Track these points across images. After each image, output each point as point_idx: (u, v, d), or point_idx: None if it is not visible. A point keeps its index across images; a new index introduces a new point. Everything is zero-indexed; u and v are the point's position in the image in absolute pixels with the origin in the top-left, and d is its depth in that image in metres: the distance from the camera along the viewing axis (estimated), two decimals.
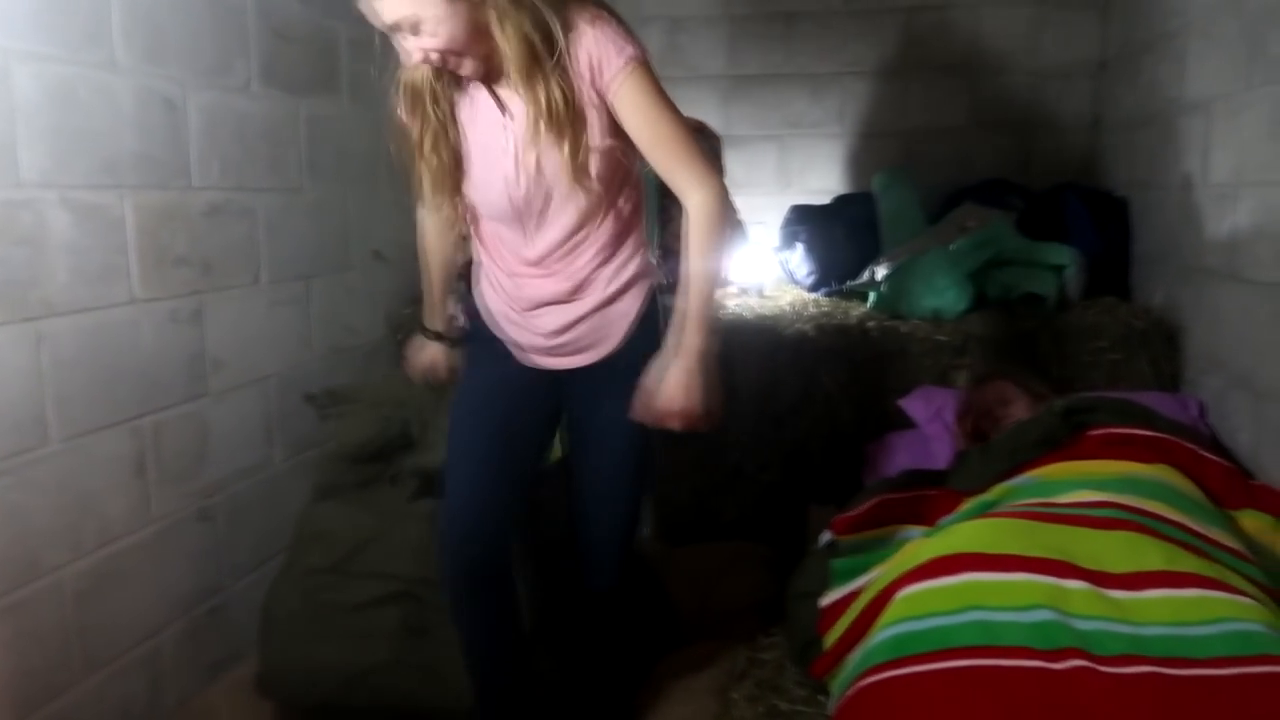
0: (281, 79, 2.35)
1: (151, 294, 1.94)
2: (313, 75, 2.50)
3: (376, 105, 2.78)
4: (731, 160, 3.74)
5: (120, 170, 1.86)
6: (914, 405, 2.58)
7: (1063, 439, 2.03)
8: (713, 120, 3.62)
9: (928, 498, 2.08)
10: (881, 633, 1.57)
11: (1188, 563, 1.54)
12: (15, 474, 1.63)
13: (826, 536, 2.15)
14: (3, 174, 1.61)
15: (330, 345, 2.61)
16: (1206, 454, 1.97)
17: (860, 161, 3.71)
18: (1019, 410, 2.25)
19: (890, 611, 1.60)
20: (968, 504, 1.96)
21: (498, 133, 1.59)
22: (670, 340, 1.66)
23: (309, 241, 2.50)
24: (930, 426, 2.52)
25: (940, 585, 1.56)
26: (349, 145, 2.69)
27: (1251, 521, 1.94)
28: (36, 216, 1.67)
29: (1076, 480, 1.86)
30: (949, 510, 1.99)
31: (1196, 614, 1.44)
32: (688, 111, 3.34)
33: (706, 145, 2.89)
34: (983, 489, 2.03)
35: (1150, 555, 1.55)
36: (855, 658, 1.63)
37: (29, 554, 1.66)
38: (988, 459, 2.08)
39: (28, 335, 1.65)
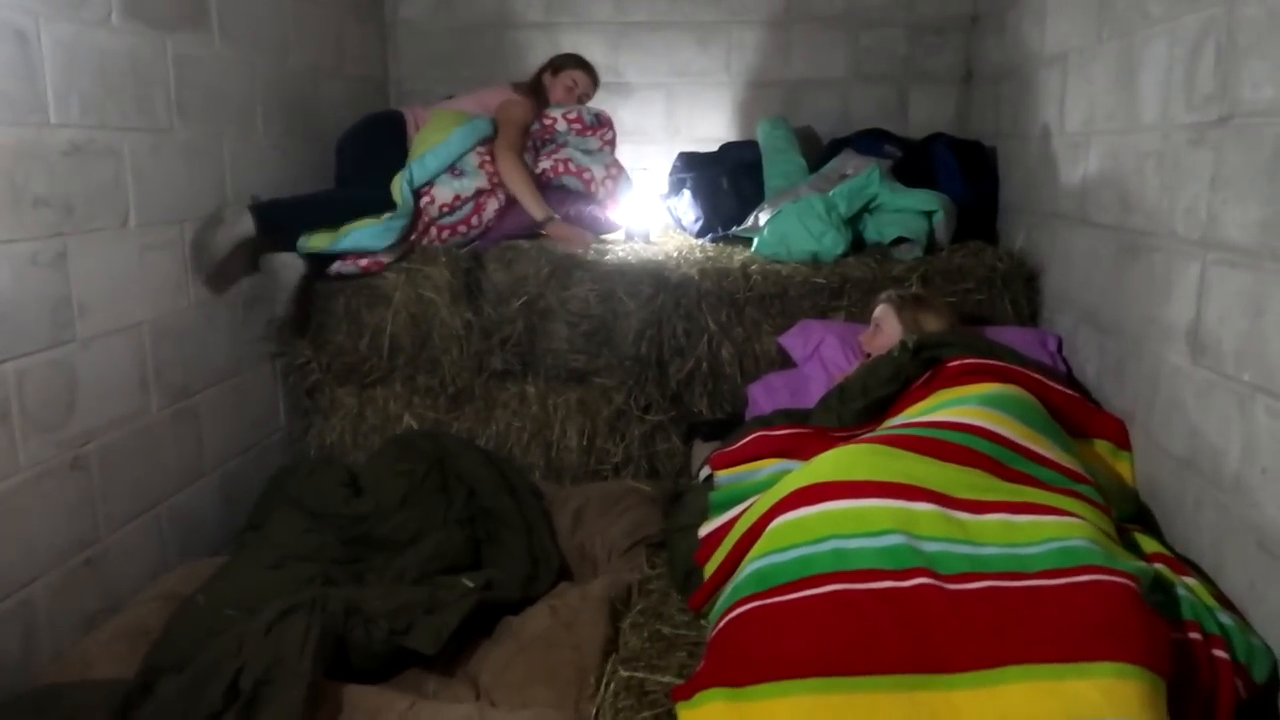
0: (144, 12, 2.25)
1: (9, 235, 1.86)
2: (179, 10, 2.40)
3: (250, 46, 2.72)
4: (620, 108, 3.77)
5: None
6: (792, 341, 2.68)
7: (913, 375, 2.15)
8: (600, 67, 3.64)
9: (800, 435, 2.18)
10: (749, 566, 1.66)
11: (1023, 495, 1.69)
12: None
13: (705, 472, 2.24)
14: None
15: (207, 292, 2.54)
16: (1051, 383, 2.12)
17: (746, 110, 3.78)
18: (884, 341, 2.37)
19: (758, 545, 1.69)
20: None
21: None
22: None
23: (182, 185, 2.42)
24: (808, 365, 2.63)
25: (801, 516, 1.66)
26: (222, 86, 2.60)
27: (1091, 447, 2.12)
28: None
29: (939, 404, 1.99)
30: (819, 445, 2.10)
31: (1028, 536, 1.57)
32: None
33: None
34: (843, 426, 2.15)
35: (991, 492, 1.68)
36: (727, 590, 1.72)
37: None
38: (845, 397, 2.20)
39: None
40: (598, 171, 3.13)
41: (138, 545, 2.25)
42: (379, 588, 2.01)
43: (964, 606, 1.45)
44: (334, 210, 2.78)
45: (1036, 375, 2.10)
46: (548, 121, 3.18)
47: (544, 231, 2.98)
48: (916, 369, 2.15)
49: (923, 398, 2.09)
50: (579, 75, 3.25)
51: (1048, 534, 1.55)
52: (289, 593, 1.97)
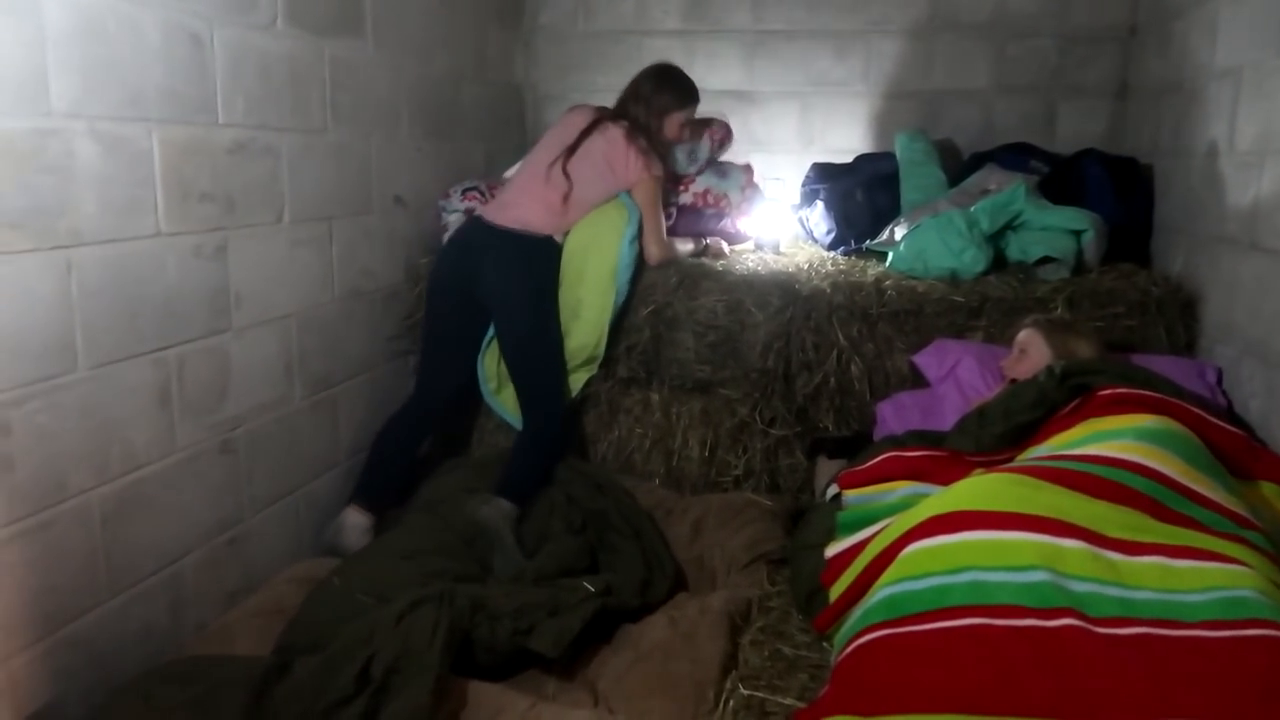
0: (306, 19, 2.35)
1: (176, 228, 1.96)
2: (337, 16, 2.50)
3: (399, 51, 2.81)
4: (753, 117, 3.73)
5: (146, 104, 1.87)
6: (927, 360, 2.59)
7: (1059, 401, 2.04)
8: (735, 77, 3.62)
9: (935, 458, 2.10)
10: (880, 591, 1.60)
11: (1183, 538, 1.57)
12: (44, 398, 1.67)
13: (833, 490, 2.18)
14: (33, 102, 1.63)
15: (349, 288, 2.64)
16: (1211, 418, 1.97)
17: (883, 121, 3.69)
18: (1029, 366, 2.27)
19: (890, 571, 1.63)
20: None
21: None
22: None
23: (331, 183, 2.52)
24: (942, 386, 2.54)
25: (938, 544, 1.59)
26: (371, 89, 2.69)
27: (1257, 490, 1.96)
28: (65, 146, 1.69)
29: (1090, 436, 1.88)
30: (955, 469, 2.02)
31: (1187, 583, 1.47)
32: (711, 67, 3.36)
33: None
34: (981, 451, 2.05)
35: (1147, 533, 1.58)
36: (855, 615, 1.67)
37: (57, 476, 1.70)
38: (984, 421, 2.10)
39: (58, 263, 1.68)
40: (734, 196, 3.13)
41: (276, 528, 2.34)
42: (502, 586, 2.03)
43: (1115, 652, 1.37)
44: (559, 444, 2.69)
45: (1195, 410, 1.96)
46: (685, 181, 3.13)
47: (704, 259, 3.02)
48: (1063, 396, 2.04)
49: (1068, 427, 1.98)
50: (686, 115, 2.98)
51: (1211, 582, 1.44)
52: (418, 584, 2.02)
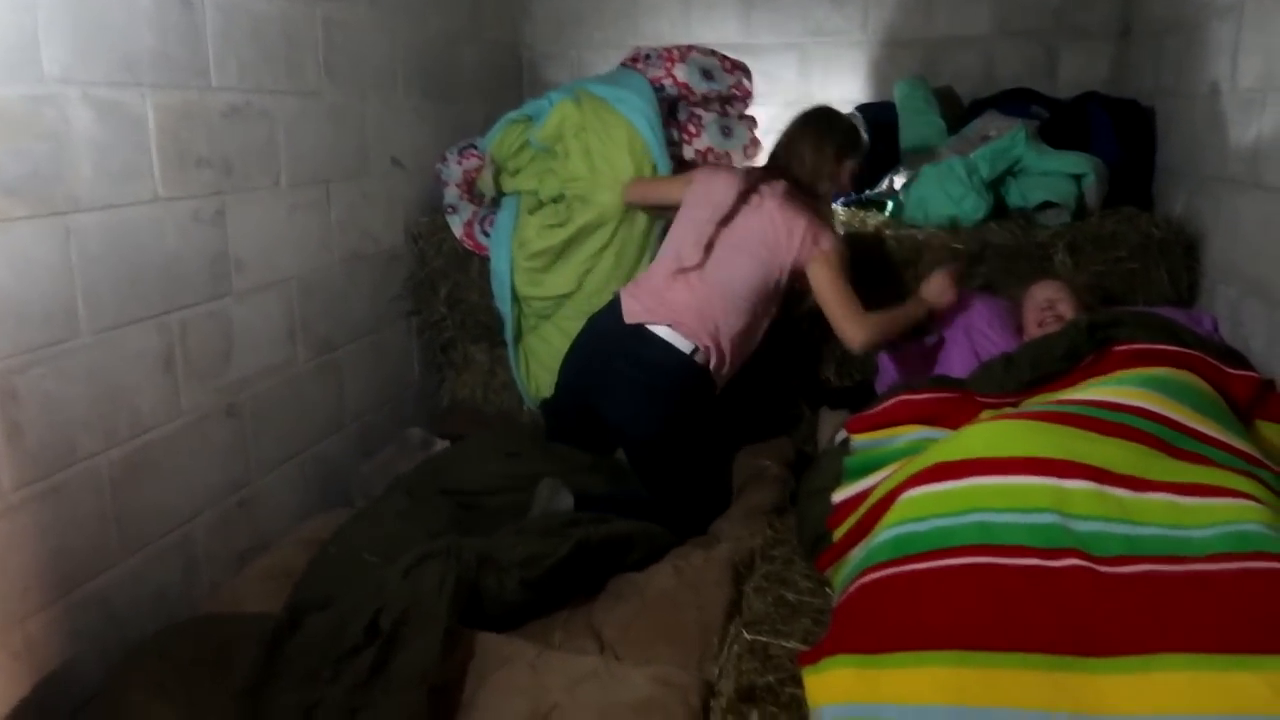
0: None
1: (174, 193, 1.97)
2: None
3: (393, 10, 2.78)
4: (751, 69, 3.68)
5: (139, 68, 1.87)
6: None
7: (1087, 353, 2.04)
8: (732, 29, 3.57)
9: (945, 399, 2.10)
10: (883, 533, 1.62)
11: (1192, 474, 1.57)
12: (49, 364, 1.69)
13: (842, 435, 2.19)
14: (26, 69, 1.63)
15: (350, 250, 2.64)
16: (1229, 369, 1.96)
17: (883, 70, 3.65)
18: (1066, 310, 2.29)
19: (892, 513, 1.64)
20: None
21: None
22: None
23: (328, 146, 2.51)
24: (949, 331, 2.53)
25: (944, 489, 1.60)
26: (366, 50, 2.68)
27: (1268, 430, 1.96)
28: (59, 112, 1.69)
29: (1098, 383, 1.88)
30: (964, 413, 2.02)
31: (1194, 519, 1.47)
32: (707, 20, 3.29)
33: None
34: (1001, 396, 2.05)
35: (1155, 471, 1.58)
36: (857, 556, 1.69)
37: (66, 440, 1.73)
38: (1011, 368, 2.09)
39: (57, 229, 1.69)
40: (736, 157, 3.09)
41: (284, 489, 2.37)
42: (509, 538, 2.05)
43: (1117, 590, 1.38)
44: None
45: (1214, 361, 1.95)
46: (689, 133, 2.95)
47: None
48: (1090, 347, 2.04)
49: (1081, 380, 1.98)
50: (857, 160, 2.49)
51: (1218, 517, 1.45)
52: (420, 541, 2.04)
